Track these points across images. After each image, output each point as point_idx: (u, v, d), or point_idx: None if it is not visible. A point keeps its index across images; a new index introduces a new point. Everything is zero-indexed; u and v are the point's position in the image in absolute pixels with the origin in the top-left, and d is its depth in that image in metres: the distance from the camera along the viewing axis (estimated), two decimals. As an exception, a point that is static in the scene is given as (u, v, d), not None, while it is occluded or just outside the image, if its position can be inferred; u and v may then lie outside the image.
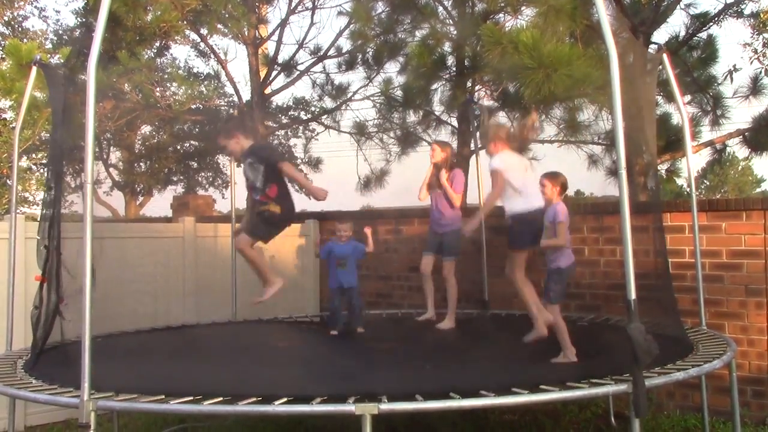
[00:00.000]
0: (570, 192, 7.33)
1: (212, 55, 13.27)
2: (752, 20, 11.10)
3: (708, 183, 42.10)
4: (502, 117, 9.88)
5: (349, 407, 3.44)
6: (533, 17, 6.79)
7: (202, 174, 19.52)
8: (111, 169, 19.52)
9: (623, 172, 3.60)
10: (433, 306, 6.92)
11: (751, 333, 6.07)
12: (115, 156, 19.69)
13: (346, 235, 6.55)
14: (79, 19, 15.80)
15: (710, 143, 9.84)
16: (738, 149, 10.13)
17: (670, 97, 8.53)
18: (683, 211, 6.29)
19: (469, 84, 9.63)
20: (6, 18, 17.56)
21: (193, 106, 13.63)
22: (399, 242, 8.54)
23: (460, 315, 7.07)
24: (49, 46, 16.66)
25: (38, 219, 5.61)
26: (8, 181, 12.71)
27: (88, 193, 3.63)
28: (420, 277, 7.00)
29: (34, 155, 15.00)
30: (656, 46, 5.89)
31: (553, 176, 5.28)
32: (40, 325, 4.99)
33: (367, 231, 6.68)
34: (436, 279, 6.85)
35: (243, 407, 3.65)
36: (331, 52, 11.77)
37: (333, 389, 3.91)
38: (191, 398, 3.75)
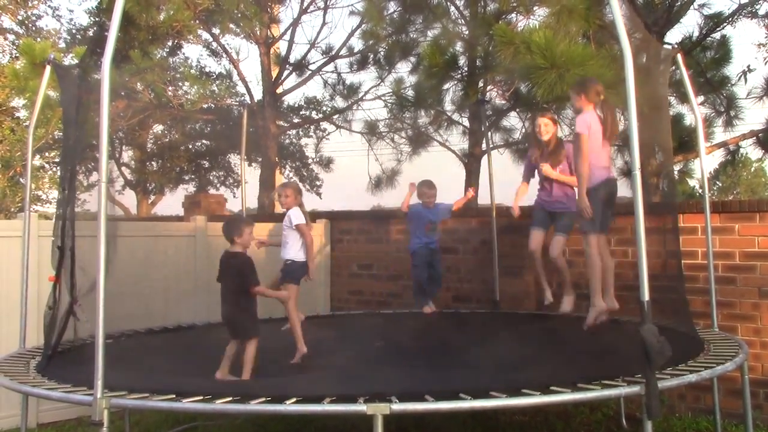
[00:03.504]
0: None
1: (224, 55, 13.32)
2: (767, 21, 11.01)
3: (720, 184, 41.84)
4: (513, 118, 9.88)
5: (361, 407, 3.44)
6: (546, 17, 6.79)
7: (214, 173, 19.56)
8: (123, 168, 19.60)
9: (637, 173, 3.59)
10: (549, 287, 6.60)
11: (763, 335, 6.03)
12: (127, 155, 19.76)
13: (433, 200, 6.70)
14: (92, 18, 15.85)
15: (723, 144, 9.78)
16: (751, 150, 10.08)
17: (682, 98, 8.50)
18: (696, 213, 6.25)
19: (480, 84, 9.62)
20: (20, 17, 17.65)
21: (205, 106, 13.68)
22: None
23: (468, 315, 7.07)
24: (62, 45, 16.75)
25: (51, 218, 5.63)
26: (22, 179, 12.77)
27: (102, 192, 3.64)
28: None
29: (47, 154, 15.07)
30: (670, 46, 5.86)
31: (579, 85, 5.36)
32: (53, 326, 5.01)
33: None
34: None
35: (254, 406, 3.65)
36: (343, 51, 11.80)
37: (343, 389, 3.92)
38: (202, 397, 3.76)
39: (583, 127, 5.24)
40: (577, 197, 5.23)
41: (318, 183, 17.99)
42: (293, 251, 5.91)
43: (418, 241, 6.52)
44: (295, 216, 5.93)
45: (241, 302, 5.08)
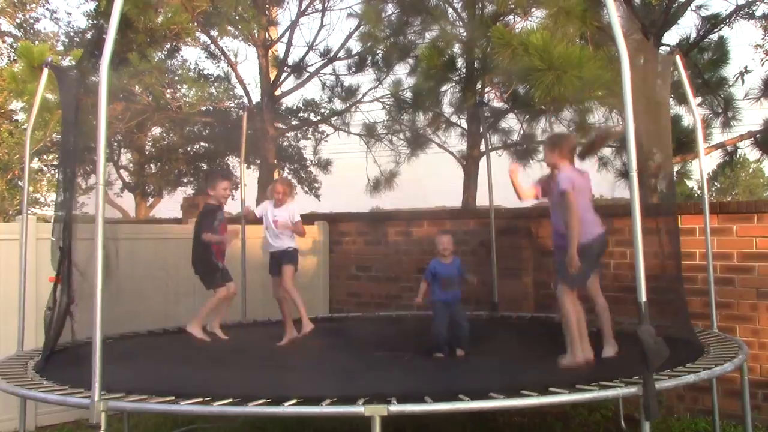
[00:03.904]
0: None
1: (222, 57, 13.31)
2: (764, 22, 11.02)
3: (719, 185, 41.88)
4: (511, 120, 9.88)
5: (359, 409, 3.45)
6: (543, 19, 6.78)
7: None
8: (122, 171, 19.59)
9: (634, 174, 3.60)
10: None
11: (762, 336, 6.04)
12: (125, 157, 19.76)
13: (449, 252, 5.95)
14: (90, 21, 15.87)
15: (721, 145, 9.77)
16: (749, 151, 10.07)
17: (680, 99, 8.50)
18: (694, 214, 6.27)
19: (478, 86, 9.62)
20: (18, 20, 17.66)
21: (203, 108, 13.68)
22: (408, 244, 8.53)
23: (467, 316, 7.05)
24: (60, 48, 16.75)
25: (51, 220, 5.65)
26: (20, 182, 12.78)
27: (100, 195, 3.65)
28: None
29: (45, 156, 15.08)
30: (668, 47, 5.86)
31: (552, 140, 5.19)
32: (52, 326, 5.02)
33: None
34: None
35: (252, 408, 3.66)
36: (341, 53, 11.80)
37: (342, 390, 3.92)
38: (201, 399, 3.76)
39: (567, 183, 4.96)
40: (567, 256, 5.02)
41: (316, 185, 17.98)
42: (290, 240, 6.29)
43: (435, 296, 6.02)
44: (296, 213, 6.39)
45: (199, 250, 5.39)
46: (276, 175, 12.24)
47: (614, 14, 3.70)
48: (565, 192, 4.94)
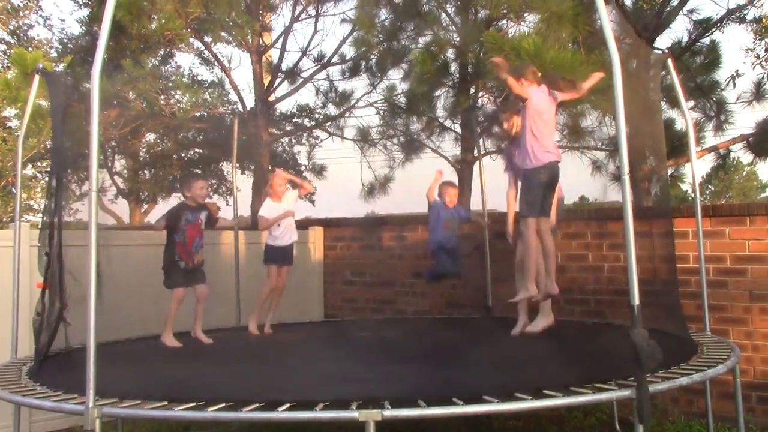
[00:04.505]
0: (574, 198, 7.27)
1: (216, 63, 13.29)
2: (754, 25, 11.10)
3: (712, 188, 42.02)
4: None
5: (353, 413, 3.45)
6: (536, 23, 6.81)
7: (206, 181, 19.54)
8: (116, 177, 19.54)
9: (626, 178, 3.61)
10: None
11: (755, 338, 6.06)
12: (119, 164, 19.70)
13: (455, 200, 6.74)
14: (83, 27, 15.83)
15: (714, 148, 9.82)
16: (742, 154, 10.12)
17: (673, 103, 8.53)
18: (687, 217, 6.29)
19: (472, 90, 9.65)
20: (11, 27, 17.63)
21: (197, 114, 13.66)
22: (403, 249, 8.54)
23: (462, 320, 7.07)
24: (54, 54, 16.71)
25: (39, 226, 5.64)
26: (13, 189, 12.74)
27: (93, 201, 3.65)
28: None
29: (38, 163, 15.03)
30: (660, 51, 5.88)
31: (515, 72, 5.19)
32: (42, 332, 5.00)
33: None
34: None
35: (246, 413, 3.65)
36: (335, 59, 11.80)
37: (336, 395, 3.92)
38: (195, 404, 3.76)
39: (534, 97, 5.12)
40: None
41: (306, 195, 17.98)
42: (296, 234, 6.82)
43: (435, 238, 6.53)
44: (294, 194, 6.88)
45: (166, 246, 5.44)
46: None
47: (605, 18, 3.71)
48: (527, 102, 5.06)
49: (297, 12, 11.65)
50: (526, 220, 5.13)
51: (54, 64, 13.28)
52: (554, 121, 5.27)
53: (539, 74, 5.32)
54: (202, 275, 6.23)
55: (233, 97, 14.49)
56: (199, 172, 18.47)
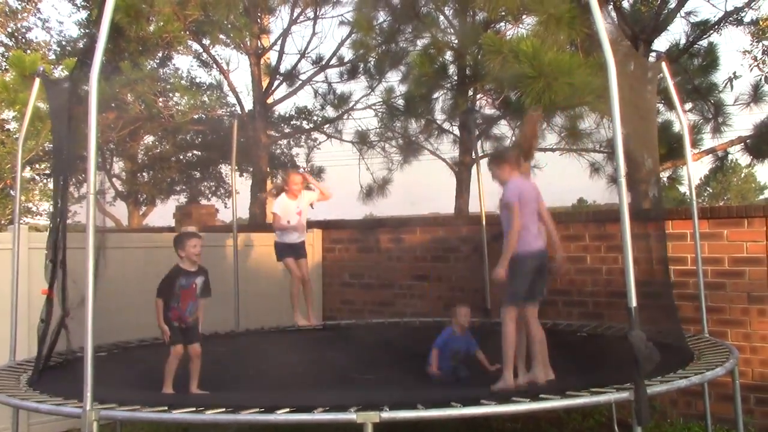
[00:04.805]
0: (572, 200, 7.27)
1: (214, 65, 13.30)
2: (752, 28, 11.12)
3: (711, 190, 42.05)
4: (502, 126, 9.90)
5: (351, 416, 3.46)
6: (534, 26, 6.81)
7: (205, 184, 19.52)
8: (114, 179, 19.54)
9: (623, 180, 3.62)
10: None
11: (753, 340, 6.06)
12: (118, 166, 19.71)
13: (465, 325, 5.79)
14: (82, 30, 15.85)
15: (712, 150, 9.84)
16: (740, 156, 10.14)
17: (670, 105, 8.55)
18: (684, 219, 6.29)
19: (470, 93, 9.65)
20: (9, 29, 17.62)
21: (196, 116, 13.67)
22: (401, 251, 8.54)
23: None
24: (52, 57, 16.71)
25: (42, 230, 5.63)
26: (12, 191, 12.73)
27: (91, 204, 3.65)
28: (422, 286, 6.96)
29: (37, 166, 15.03)
30: (657, 54, 5.89)
31: (497, 157, 5.04)
32: (45, 339, 5.00)
33: None
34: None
35: (245, 416, 3.66)
36: (333, 61, 11.80)
37: (335, 398, 3.93)
38: (194, 408, 3.76)
39: (513, 193, 4.80)
40: (495, 269, 4.74)
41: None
42: (305, 233, 7.02)
43: (445, 366, 5.56)
44: (311, 193, 7.01)
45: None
46: (269, 183, 12.22)
47: (600, 20, 3.72)
48: (510, 203, 4.77)
49: (295, 14, 11.66)
50: (507, 309, 4.80)
51: (52, 66, 13.29)
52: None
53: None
54: (196, 335, 6.04)
55: (231, 99, 14.51)
56: (198, 172, 18.50)
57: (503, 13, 8.61)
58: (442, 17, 9.53)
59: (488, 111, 9.90)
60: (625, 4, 10.00)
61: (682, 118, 6.04)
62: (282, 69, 12.00)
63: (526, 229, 4.77)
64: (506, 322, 4.81)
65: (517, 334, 4.79)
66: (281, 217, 6.77)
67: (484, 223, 7.56)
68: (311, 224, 9.33)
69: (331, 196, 7.16)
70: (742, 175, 43.52)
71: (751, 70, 12.34)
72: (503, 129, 10.06)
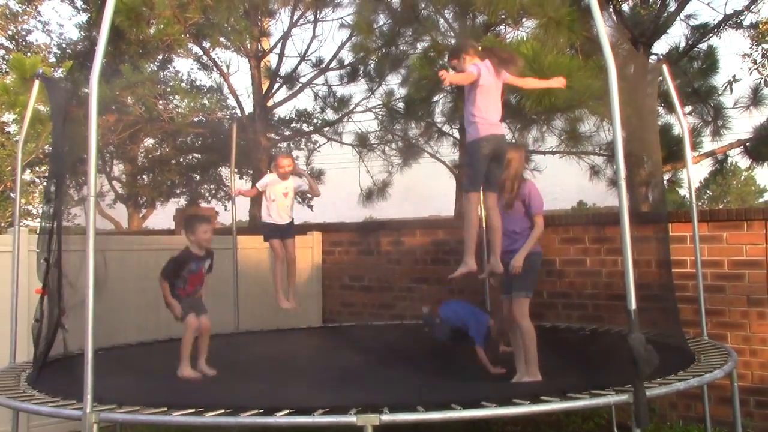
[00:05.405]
0: (572, 203, 7.27)
1: (215, 68, 13.31)
2: (751, 31, 11.14)
3: (711, 193, 42.08)
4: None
5: (351, 418, 3.46)
6: (534, 29, 6.82)
7: (205, 186, 19.54)
8: (114, 182, 19.55)
9: (623, 183, 3.62)
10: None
11: (753, 343, 6.07)
12: (118, 169, 19.73)
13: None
14: (82, 33, 15.84)
15: (711, 153, 9.86)
16: (740, 159, 10.16)
17: (670, 108, 8.56)
18: (684, 222, 6.30)
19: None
20: (10, 32, 17.64)
21: (196, 119, 13.67)
22: (401, 253, 8.55)
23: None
24: (52, 59, 16.72)
25: (38, 232, 5.63)
26: (12, 194, 12.74)
27: (91, 206, 3.66)
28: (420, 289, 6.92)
29: (37, 168, 15.04)
30: (657, 57, 5.90)
31: (454, 51, 4.91)
32: (41, 338, 5.01)
33: None
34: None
35: (245, 419, 3.66)
36: (333, 64, 11.81)
37: (335, 400, 3.93)
38: (193, 410, 3.76)
39: (472, 69, 4.68)
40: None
41: (309, 195, 18.02)
42: (292, 213, 6.67)
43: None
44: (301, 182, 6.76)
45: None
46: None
47: (601, 24, 3.73)
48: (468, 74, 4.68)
49: (295, 17, 11.68)
50: (468, 195, 4.82)
51: (52, 69, 13.30)
52: (500, 98, 4.85)
53: (479, 48, 4.96)
54: (203, 307, 6.05)
55: (232, 102, 14.50)
56: (198, 175, 18.51)
57: (503, 16, 8.62)
58: (442, 20, 9.54)
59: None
60: (625, 8, 10.03)
61: (682, 121, 6.04)
62: (282, 72, 12.02)
63: (484, 114, 4.72)
64: (470, 209, 4.84)
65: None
66: (264, 193, 6.57)
67: (484, 225, 7.55)
68: (311, 227, 9.34)
69: (319, 194, 7.10)
70: (742, 178, 43.56)
71: (751, 73, 12.36)
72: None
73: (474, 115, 4.71)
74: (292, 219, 6.65)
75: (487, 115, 4.74)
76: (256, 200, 11.60)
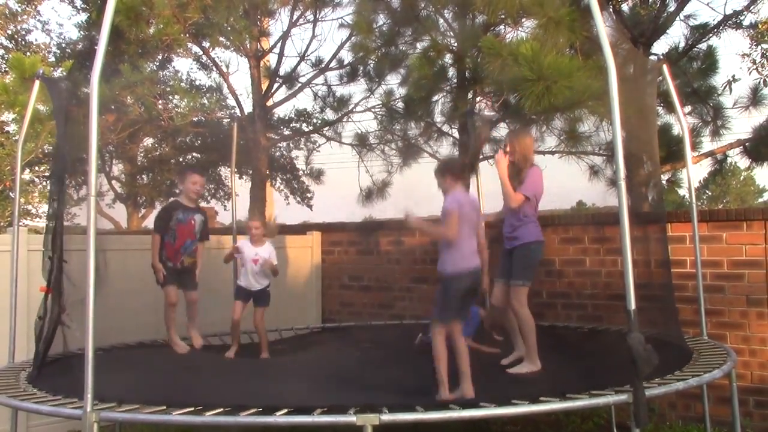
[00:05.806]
0: (572, 202, 7.27)
1: (214, 68, 13.30)
2: (751, 31, 11.13)
3: (710, 193, 42.10)
4: (502, 129, 9.91)
5: (351, 418, 3.46)
6: (533, 29, 6.82)
7: (204, 186, 19.56)
8: (113, 182, 19.55)
9: (622, 183, 3.63)
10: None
11: (752, 343, 6.07)
12: (117, 168, 19.73)
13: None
14: (82, 32, 15.84)
15: (711, 153, 9.85)
16: (739, 159, 10.16)
17: (670, 108, 8.56)
18: (684, 222, 6.31)
19: (469, 95, 9.65)
20: (9, 31, 17.64)
21: (195, 119, 13.66)
22: (400, 253, 8.55)
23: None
24: (52, 59, 16.73)
25: (42, 231, 5.64)
26: (11, 193, 12.74)
27: (91, 206, 3.66)
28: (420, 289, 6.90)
29: (36, 168, 15.05)
30: (656, 57, 5.90)
31: (441, 166, 4.95)
32: (43, 336, 5.01)
33: None
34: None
35: (244, 418, 3.66)
36: (333, 64, 11.80)
37: (334, 399, 3.93)
38: (193, 409, 3.77)
39: (453, 204, 4.64)
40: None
41: (309, 195, 18.03)
42: (268, 279, 6.42)
43: None
44: (274, 253, 6.40)
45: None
46: (269, 186, 12.22)
47: (600, 24, 3.74)
48: (448, 211, 4.60)
49: (295, 17, 11.67)
50: (434, 325, 4.62)
51: (52, 68, 13.30)
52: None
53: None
54: (192, 281, 6.02)
55: (231, 101, 14.50)
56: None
57: (503, 16, 8.62)
58: (441, 20, 9.54)
59: (488, 114, 9.90)
60: (625, 7, 10.02)
61: (682, 121, 6.05)
62: (282, 71, 12.01)
63: (461, 245, 4.59)
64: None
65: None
66: (238, 256, 6.43)
67: (483, 225, 7.54)
68: (311, 227, 9.35)
69: (277, 273, 6.50)
70: (741, 178, 43.58)
71: (750, 73, 12.33)
72: (503, 132, 10.07)
73: (454, 240, 4.58)
74: (266, 286, 6.41)
75: (467, 244, 4.67)
76: (257, 199, 11.63)
